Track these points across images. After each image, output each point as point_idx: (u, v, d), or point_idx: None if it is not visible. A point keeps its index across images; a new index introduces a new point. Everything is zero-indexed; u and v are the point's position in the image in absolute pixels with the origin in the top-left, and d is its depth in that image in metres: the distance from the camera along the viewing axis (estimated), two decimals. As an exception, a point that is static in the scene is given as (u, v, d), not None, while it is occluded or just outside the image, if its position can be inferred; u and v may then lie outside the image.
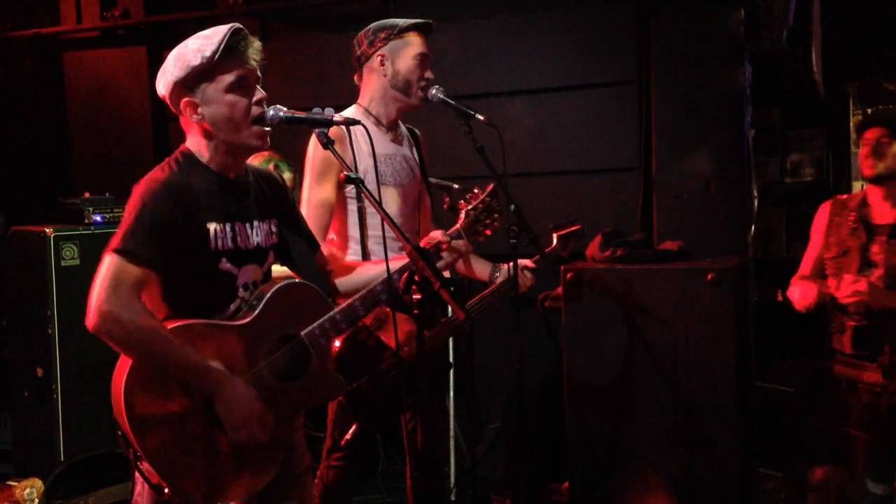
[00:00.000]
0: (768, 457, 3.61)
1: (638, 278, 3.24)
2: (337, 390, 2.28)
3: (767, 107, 4.59)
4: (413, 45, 2.78)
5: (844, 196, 3.17)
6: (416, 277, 2.02)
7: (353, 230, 2.78)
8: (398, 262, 2.24)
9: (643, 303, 3.22)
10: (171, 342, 1.92)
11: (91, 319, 1.88)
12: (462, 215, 2.43)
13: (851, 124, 4.62)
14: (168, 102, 2.09)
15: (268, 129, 2.08)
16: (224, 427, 2.00)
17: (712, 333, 3.13)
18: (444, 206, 3.44)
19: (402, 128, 2.94)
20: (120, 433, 1.96)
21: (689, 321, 3.15)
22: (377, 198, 2.61)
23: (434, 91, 2.77)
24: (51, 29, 5.29)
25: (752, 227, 3.79)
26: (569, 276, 3.31)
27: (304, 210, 2.69)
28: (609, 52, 4.20)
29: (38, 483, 3.78)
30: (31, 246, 4.01)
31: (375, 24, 2.82)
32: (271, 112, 2.06)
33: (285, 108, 2.08)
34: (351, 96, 2.90)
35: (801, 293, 3.00)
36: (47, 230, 3.97)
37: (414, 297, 2.03)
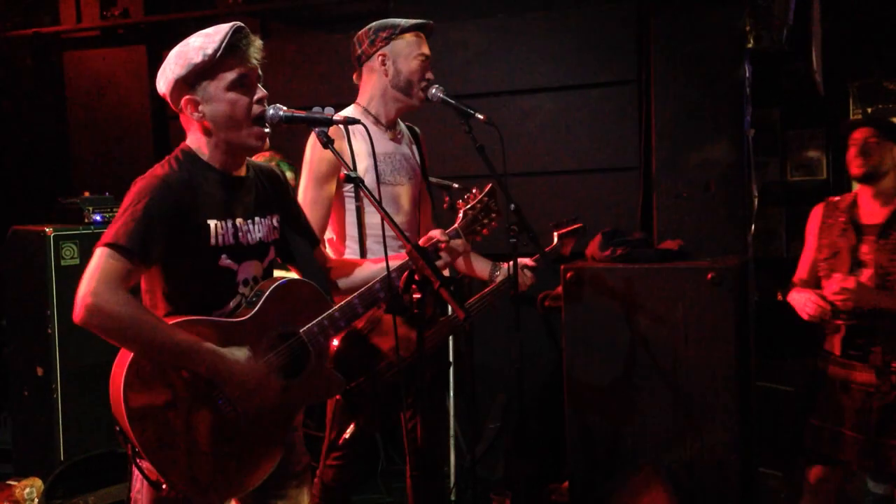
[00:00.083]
0: (768, 456, 3.61)
1: (638, 278, 3.24)
2: (335, 388, 2.28)
3: (767, 106, 4.59)
4: (414, 46, 2.78)
5: (836, 198, 3.18)
6: (416, 276, 2.02)
7: (352, 229, 2.78)
8: (398, 260, 2.24)
9: (643, 302, 3.22)
10: (158, 328, 1.91)
11: (76, 312, 1.88)
12: (460, 215, 2.43)
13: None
14: (169, 100, 2.09)
15: (267, 130, 2.08)
16: (231, 406, 1.99)
17: (712, 333, 3.13)
18: (444, 205, 3.44)
19: (402, 126, 2.94)
20: (118, 429, 1.96)
21: (689, 321, 3.15)
22: (377, 197, 2.62)
23: (434, 90, 2.77)
24: (51, 28, 5.30)
25: (752, 227, 3.79)
26: (569, 275, 3.31)
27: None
28: (609, 52, 4.20)
29: (38, 482, 3.78)
30: (31, 245, 4.01)
31: (376, 23, 2.82)
32: (271, 111, 2.07)
33: (285, 107, 2.08)
34: (351, 96, 2.90)
35: (801, 304, 3.02)
36: (47, 230, 3.97)
37: (414, 296, 2.03)
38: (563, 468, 3.54)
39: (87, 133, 5.36)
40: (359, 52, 2.83)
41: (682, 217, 3.79)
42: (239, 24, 2.04)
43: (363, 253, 2.76)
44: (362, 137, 2.64)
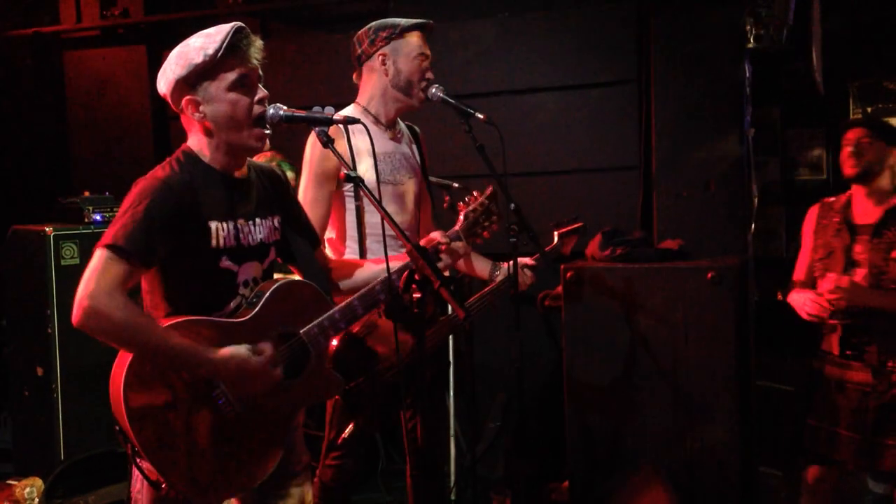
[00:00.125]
0: (768, 456, 3.61)
1: (638, 277, 3.25)
2: (335, 389, 2.28)
3: (767, 106, 4.59)
4: (415, 45, 2.78)
5: (831, 198, 3.20)
6: (416, 276, 2.03)
7: (352, 229, 2.77)
8: (398, 261, 2.24)
9: (643, 302, 3.22)
10: (154, 331, 1.91)
11: (75, 314, 1.88)
12: (461, 217, 2.44)
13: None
14: (169, 101, 2.09)
15: (268, 130, 2.09)
16: (231, 404, 1.99)
17: (712, 332, 3.14)
18: (444, 204, 3.44)
19: (402, 125, 2.94)
20: (118, 429, 1.96)
21: (689, 320, 3.16)
22: (376, 196, 2.61)
23: (434, 90, 2.77)
24: (51, 28, 5.30)
25: (752, 227, 3.79)
26: (569, 274, 3.31)
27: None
28: (609, 52, 4.20)
29: (39, 482, 3.78)
30: (31, 245, 4.01)
31: (376, 23, 2.82)
32: (271, 111, 2.07)
33: (285, 107, 2.08)
34: (351, 95, 2.90)
35: (800, 304, 3.02)
36: (47, 229, 3.97)
37: (414, 295, 2.03)
38: (563, 467, 3.54)
39: (87, 133, 5.36)
40: (359, 51, 2.83)
41: (682, 216, 3.79)
42: (239, 24, 2.04)
43: (363, 252, 2.76)
44: (362, 137, 2.64)
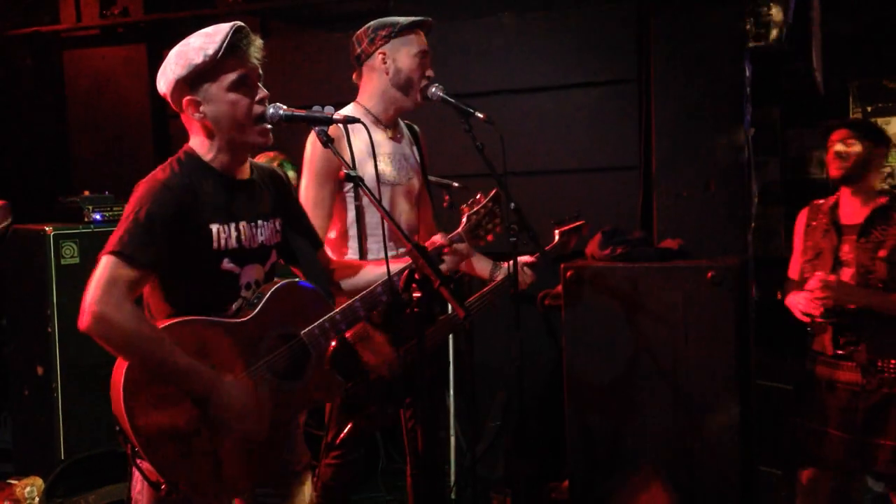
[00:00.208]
0: (768, 455, 3.62)
1: (638, 277, 3.24)
2: (336, 390, 2.28)
3: (767, 105, 4.59)
4: (414, 43, 2.78)
5: (820, 200, 3.22)
6: (417, 276, 2.03)
7: (352, 229, 2.77)
8: (400, 263, 2.24)
9: (643, 301, 3.22)
10: (162, 345, 1.92)
11: (83, 320, 1.88)
12: (464, 219, 2.44)
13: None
14: (169, 100, 2.09)
15: (270, 127, 2.08)
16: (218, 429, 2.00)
17: (712, 332, 3.14)
18: (444, 204, 3.44)
19: (402, 125, 2.94)
20: (118, 429, 1.96)
21: (689, 320, 3.16)
22: (377, 196, 2.61)
23: (434, 89, 2.77)
24: (50, 27, 5.29)
25: (752, 226, 3.79)
26: (569, 274, 3.31)
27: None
28: (609, 51, 4.20)
29: (39, 482, 3.78)
30: (31, 244, 4.01)
31: (375, 22, 2.82)
32: (271, 110, 2.07)
33: (285, 106, 2.08)
34: (351, 95, 2.90)
35: (795, 304, 3.04)
36: (47, 229, 3.97)
37: (414, 294, 2.03)
38: (563, 467, 3.54)
39: (86, 132, 5.36)
40: (358, 51, 2.83)
41: (682, 216, 3.79)
42: (239, 23, 2.03)
43: (363, 252, 2.76)
44: (362, 136, 2.64)
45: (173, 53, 2.05)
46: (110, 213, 4.15)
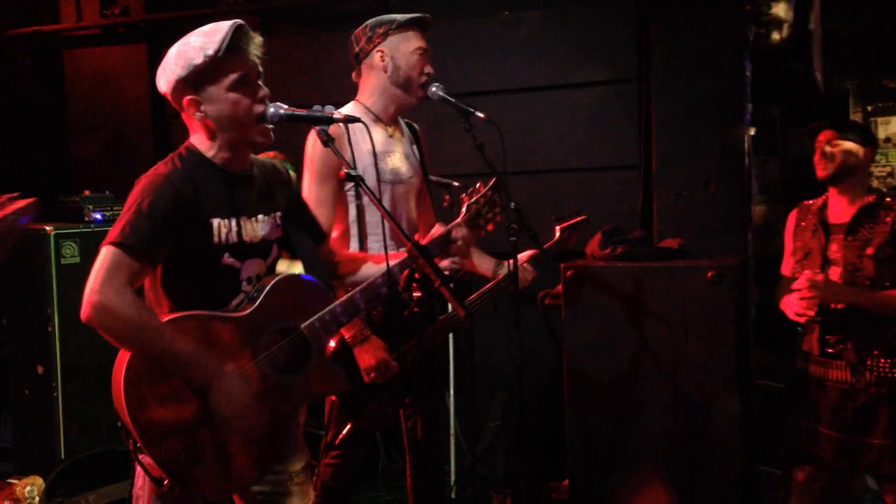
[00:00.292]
0: (768, 455, 3.62)
1: (638, 276, 3.24)
2: (338, 384, 2.27)
3: (767, 104, 4.59)
4: (412, 40, 2.78)
5: (809, 201, 3.24)
6: (417, 275, 2.03)
7: (353, 228, 2.77)
8: (401, 256, 2.24)
9: (643, 301, 3.22)
10: (163, 334, 1.92)
11: (84, 310, 1.88)
12: (464, 208, 2.44)
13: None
14: (170, 99, 2.09)
15: (271, 126, 2.09)
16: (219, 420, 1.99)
17: (712, 331, 3.14)
18: (445, 203, 3.44)
19: (402, 123, 2.94)
20: (120, 424, 1.96)
21: (689, 319, 3.16)
22: (377, 195, 2.61)
23: (434, 89, 2.77)
24: (51, 27, 5.29)
25: (752, 225, 3.80)
26: (569, 273, 3.31)
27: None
28: (609, 51, 4.20)
29: (39, 481, 3.78)
30: (31, 244, 4.01)
31: (373, 20, 2.81)
32: (272, 109, 2.06)
33: (285, 106, 2.08)
34: (351, 94, 2.90)
35: (787, 306, 3.05)
36: (47, 228, 3.97)
37: (414, 294, 2.03)
38: (564, 467, 3.54)
39: (87, 131, 5.36)
40: (356, 49, 2.83)
41: (682, 215, 3.79)
42: (239, 22, 2.03)
43: (364, 251, 2.76)
44: (362, 136, 2.64)
45: (173, 53, 2.05)
46: (111, 213, 4.16)
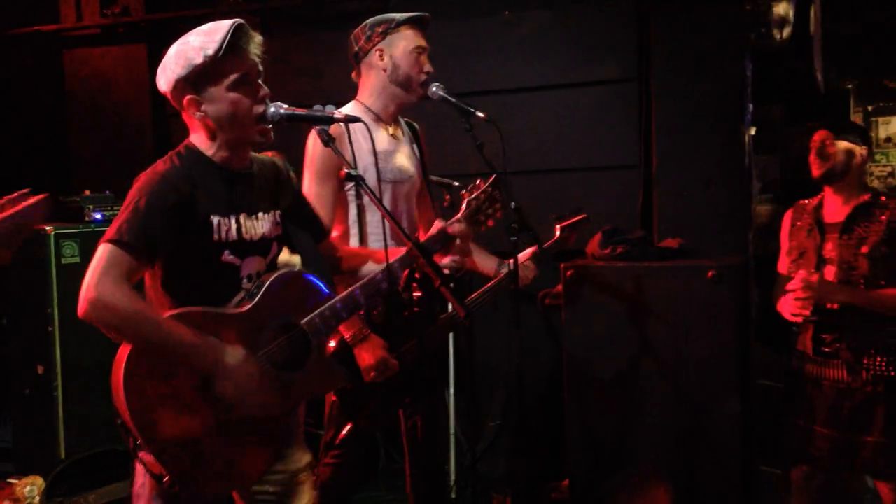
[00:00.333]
0: (769, 455, 3.62)
1: (638, 276, 3.25)
2: (339, 380, 2.27)
3: (768, 104, 4.59)
4: (411, 39, 2.77)
5: (805, 200, 3.25)
6: (417, 275, 2.03)
7: (354, 228, 2.77)
8: (402, 251, 2.23)
9: (643, 300, 3.22)
10: (161, 324, 1.92)
11: (80, 306, 1.89)
12: (464, 204, 2.44)
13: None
14: (170, 98, 2.09)
15: (270, 126, 2.09)
16: (225, 406, 1.99)
17: (713, 331, 3.14)
18: (445, 203, 3.44)
19: (402, 123, 2.94)
20: (120, 421, 1.96)
21: (690, 319, 3.16)
22: (378, 195, 2.61)
23: (434, 88, 2.77)
24: (51, 27, 5.29)
25: (753, 225, 3.80)
26: (569, 273, 3.31)
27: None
28: (610, 50, 4.19)
29: (39, 481, 3.78)
30: (32, 244, 4.01)
31: (372, 19, 2.81)
32: (272, 109, 2.07)
33: (286, 105, 2.08)
34: (351, 93, 2.89)
35: (783, 308, 3.06)
36: (47, 228, 3.97)
37: (414, 294, 2.03)
38: (564, 466, 3.54)
39: (87, 131, 5.35)
40: (356, 48, 2.83)
41: (682, 215, 3.79)
42: (239, 21, 2.03)
43: (364, 251, 2.76)
44: (363, 135, 2.64)
45: (173, 52, 2.05)
46: (111, 213, 4.15)
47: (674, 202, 3.82)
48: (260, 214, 2.15)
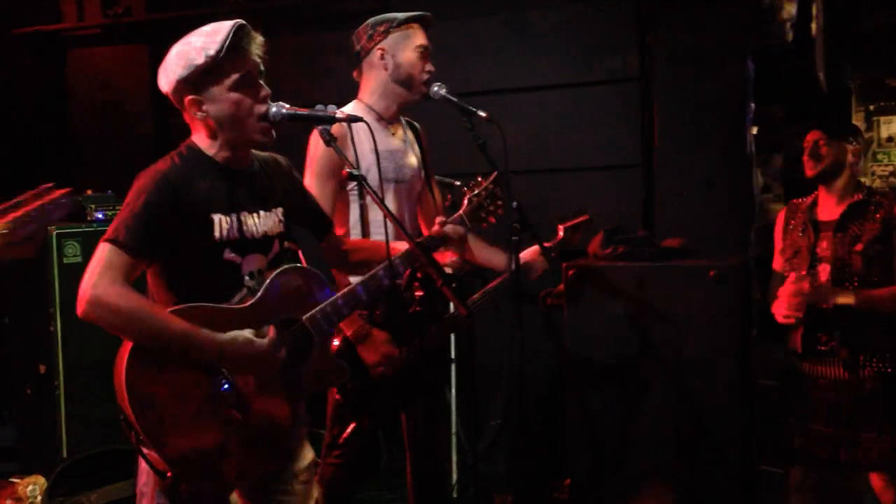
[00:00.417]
0: (770, 454, 3.62)
1: (640, 276, 3.24)
2: (341, 375, 2.27)
3: (770, 103, 4.59)
4: (413, 38, 2.78)
5: (798, 200, 3.26)
6: (419, 274, 2.03)
7: (356, 227, 2.77)
8: (404, 244, 2.24)
9: (645, 300, 3.22)
10: (160, 319, 1.93)
11: (79, 306, 1.90)
12: (465, 202, 2.44)
13: (853, 120, 4.62)
14: (171, 99, 2.09)
15: (272, 125, 2.09)
16: (227, 400, 1.99)
17: (714, 331, 3.13)
18: (447, 203, 3.44)
19: (404, 122, 2.94)
20: (122, 417, 1.96)
21: (691, 319, 3.15)
22: (380, 195, 2.62)
23: (436, 88, 2.77)
24: (53, 26, 5.30)
25: (754, 225, 3.80)
26: (570, 273, 3.31)
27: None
28: (611, 50, 4.19)
29: (41, 480, 3.78)
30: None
31: (374, 18, 2.82)
32: (274, 109, 2.07)
33: (287, 105, 2.09)
34: (352, 93, 2.90)
35: (776, 312, 3.06)
36: (49, 227, 3.97)
37: (416, 293, 2.03)
38: (565, 466, 3.54)
39: (88, 131, 5.36)
40: (357, 48, 2.83)
41: (683, 215, 3.79)
42: (240, 21, 2.03)
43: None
44: (365, 135, 2.64)
45: (174, 52, 2.05)
46: (112, 212, 4.16)
47: (675, 202, 3.81)
48: (261, 212, 2.15)
